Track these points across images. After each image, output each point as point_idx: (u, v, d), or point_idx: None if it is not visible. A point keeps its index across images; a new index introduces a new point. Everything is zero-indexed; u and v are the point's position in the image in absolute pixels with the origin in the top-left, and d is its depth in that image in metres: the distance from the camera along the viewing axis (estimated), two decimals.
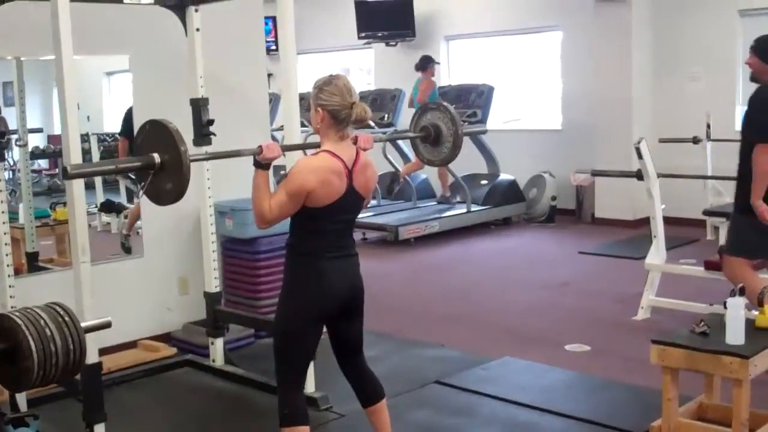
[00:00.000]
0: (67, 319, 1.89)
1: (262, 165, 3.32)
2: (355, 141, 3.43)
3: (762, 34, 8.66)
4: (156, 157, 3.10)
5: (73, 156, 3.70)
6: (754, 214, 4.58)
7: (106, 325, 2.04)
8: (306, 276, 3.35)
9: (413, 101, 9.77)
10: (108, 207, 6.77)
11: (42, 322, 1.86)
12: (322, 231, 3.34)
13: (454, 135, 3.83)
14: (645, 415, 4.09)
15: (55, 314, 1.90)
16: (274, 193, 3.28)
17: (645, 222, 8.76)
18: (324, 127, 3.35)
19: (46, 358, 1.84)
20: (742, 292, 3.98)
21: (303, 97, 5.59)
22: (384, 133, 10.21)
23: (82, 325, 1.92)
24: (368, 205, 3.63)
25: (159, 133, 3.12)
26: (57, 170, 7.35)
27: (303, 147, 4.08)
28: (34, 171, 6.64)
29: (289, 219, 3.35)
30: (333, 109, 3.30)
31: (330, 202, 3.28)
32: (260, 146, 3.32)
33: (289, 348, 3.44)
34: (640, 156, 5.86)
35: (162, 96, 5.47)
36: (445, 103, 3.88)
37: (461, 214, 9.57)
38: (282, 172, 3.63)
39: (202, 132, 4.85)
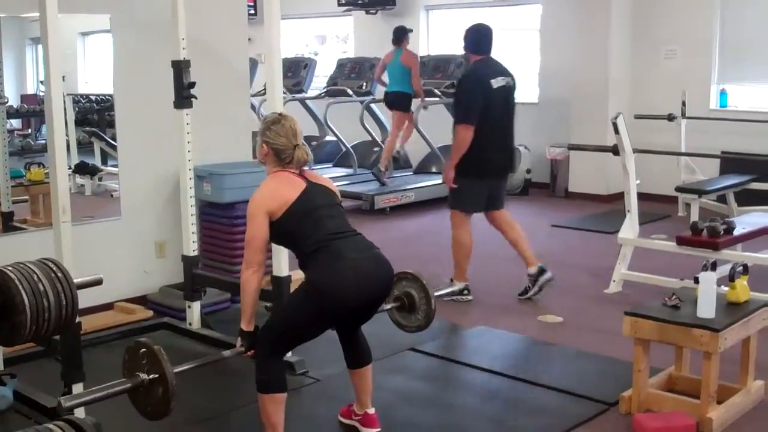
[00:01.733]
0: (60, 274, 1.91)
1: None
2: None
3: (736, 14, 8.81)
4: (143, 376, 3.06)
5: (56, 117, 3.68)
6: (466, 178, 5.75)
7: (98, 282, 2.06)
8: (326, 279, 3.37)
9: (381, 71, 9.73)
10: (82, 168, 6.75)
11: (35, 276, 1.87)
12: (308, 226, 3.43)
13: (426, 303, 3.95)
14: (616, 386, 4.18)
15: (48, 270, 1.92)
16: (246, 231, 3.47)
17: (618, 197, 8.84)
18: (268, 161, 3.57)
19: (39, 313, 1.86)
20: (714, 266, 4.07)
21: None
22: (361, 102, 10.20)
23: (75, 281, 1.93)
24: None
25: (144, 352, 3.11)
26: (29, 130, 7.30)
27: None
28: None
29: None
30: (277, 149, 3.51)
31: (294, 200, 3.42)
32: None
33: (287, 334, 3.51)
34: (616, 131, 5.91)
35: (143, 57, 5.45)
36: (413, 272, 3.97)
37: (437, 185, 9.59)
38: None
39: (183, 95, 4.84)
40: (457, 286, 5.82)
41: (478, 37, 6.00)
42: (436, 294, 4.00)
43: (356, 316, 3.55)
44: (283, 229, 3.45)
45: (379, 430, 3.79)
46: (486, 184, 5.90)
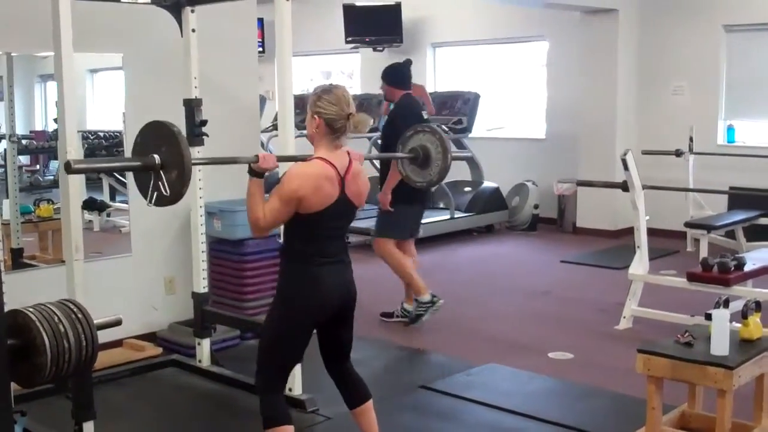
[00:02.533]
0: (80, 315, 1.91)
1: (257, 173, 3.35)
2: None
3: (743, 50, 8.85)
4: (156, 157, 3.10)
5: (71, 151, 3.70)
6: (400, 203, 6.00)
7: (117, 323, 2.06)
8: (300, 282, 3.37)
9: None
10: (90, 205, 6.76)
11: (56, 318, 1.87)
12: (315, 237, 3.38)
13: (442, 159, 3.85)
14: (628, 424, 4.14)
15: (68, 311, 1.92)
16: (268, 200, 3.32)
17: (626, 232, 8.88)
18: (318, 135, 3.39)
19: (60, 354, 1.85)
20: (726, 303, 4.05)
21: None
22: (369, 138, 10.25)
23: (95, 322, 1.93)
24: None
25: (160, 133, 3.12)
26: (38, 166, 7.33)
27: (298, 158, 4.10)
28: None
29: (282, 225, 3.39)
30: (329, 118, 3.35)
31: (322, 209, 3.32)
32: (257, 155, 3.35)
33: (277, 353, 3.47)
34: (626, 167, 5.92)
35: (155, 96, 5.49)
36: (436, 127, 3.90)
37: (444, 220, 9.61)
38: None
39: (195, 132, 4.87)
40: (424, 298, 6.01)
41: (403, 74, 6.29)
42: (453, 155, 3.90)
43: (336, 311, 3.48)
44: (296, 219, 3.33)
45: None
46: (417, 210, 6.24)
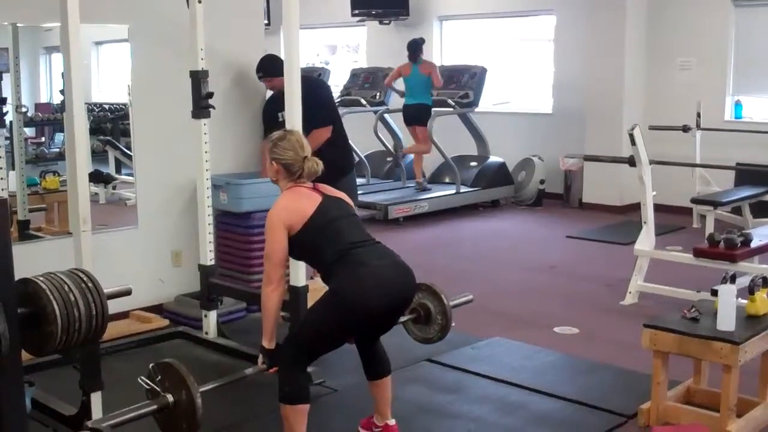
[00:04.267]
0: (90, 285, 1.91)
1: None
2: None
3: (751, 26, 8.80)
4: (169, 397, 3.04)
5: (78, 126, 3.69)
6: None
7: (127, 292, 2.07)
8: (348, 287, 3.39)
9: (390, 82, 9.75)
10: (96, 177, 6.76)
11: (66, 287, 1.87)
12: (327, 239, 3.45)
13: (442, 314, 3.98)
14: (633, 398, 4.16)
15: (79, 280, 1.92)
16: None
17: (631, 208, 8.87)
18: (281, 179, 3.60)
19: (70, 323, 1.86)
20: (733, 279, 4.05)
21: None
22: (375, 112, 10.22)
23: (105, 291, 1.93)
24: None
25: (171, 373, 3.09)
26: (43, 138, 7.32)
27: None
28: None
29: None
30: (286, 163, 3.54)
31: (312, 214, 3.44)
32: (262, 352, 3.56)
33: (315, 342, 3.50)
34: (633, 142, 5.90)
35: (161, 67, 5.48)
36: (429, 284, 3.98)
37: (450, 194, 9.61)
38: None
39: (201, 105, 4.85)
40: None
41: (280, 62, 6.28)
42: (452, 304, 3.99)
43: (379, 323, 3.55)
44: (302, 243, 3.47)
45: None
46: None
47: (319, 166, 3.58)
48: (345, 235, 3.47)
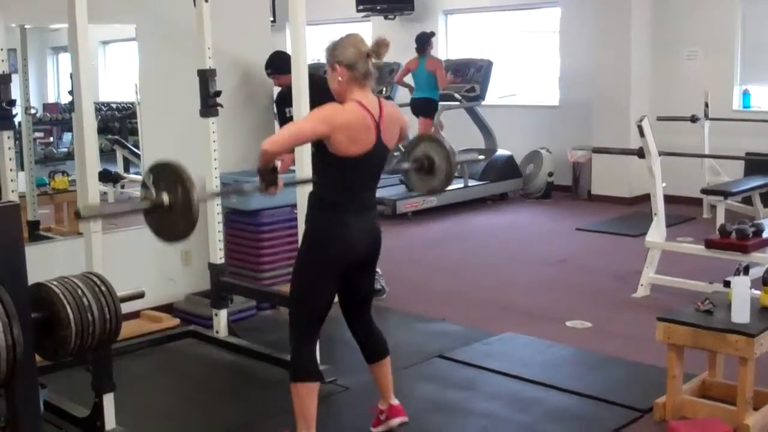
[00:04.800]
0: (103, 288, 1.90)
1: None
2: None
3: (758, 14, 8.74)
4: (165, 198, 2.98)
5: (87, 126, 3.68)
6: None
7: (140, 296, 2.05)
8: (329, 229, 3.40)
9: (400, 78, 9.71)
10: (105, 176, 6.75)
11: (80, 291, 1.86)
12: (349, 184, 3.39)
13: (446, 166, 3.86)
14: (648, 392, 4.13)
15: (92, 284, 1.91)
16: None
17: (641, 199, 8.83)
18: (345, 85, 3.38)
19: (84, 327, 1.85)
20: (746, 270, 4.03)
21: None
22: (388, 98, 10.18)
23: (118, 294, 1.92)
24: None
25: (169, 173, 3.03)
26: (51, 139, 7.32)
27: (306, 181, 4.06)
28: None
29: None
30: (350, 62, 3.34)
31: (357, 154, 3.33)
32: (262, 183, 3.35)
33: (306, 301, 3.49)
34: (642, 134, 5.86)
35: (168, 66, 5.46)
36: (438, 137, 3.91)
37: (459, 189, 9.58)
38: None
39: (209, 103, 4.85)
40: None
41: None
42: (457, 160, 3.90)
43: (362, 257, 3.50)
44: (329, 162, 3.34)
45: (406, 419, 3.79)
46: None
47: (384, 47, 3.38)
48: (359, 190, 3.42)
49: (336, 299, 3.59)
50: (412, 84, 9.66)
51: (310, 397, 3.44)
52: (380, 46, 3.38)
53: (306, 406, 3.43)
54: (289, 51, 4.48)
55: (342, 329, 3.89)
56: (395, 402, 3.80)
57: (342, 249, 3.40)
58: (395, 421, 3.79)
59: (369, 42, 3.45)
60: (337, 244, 3.39)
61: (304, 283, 3.48)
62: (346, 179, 3.37)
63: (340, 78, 3.36)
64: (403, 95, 10.10)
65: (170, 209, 2.93)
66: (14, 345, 1.88)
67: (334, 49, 3.38)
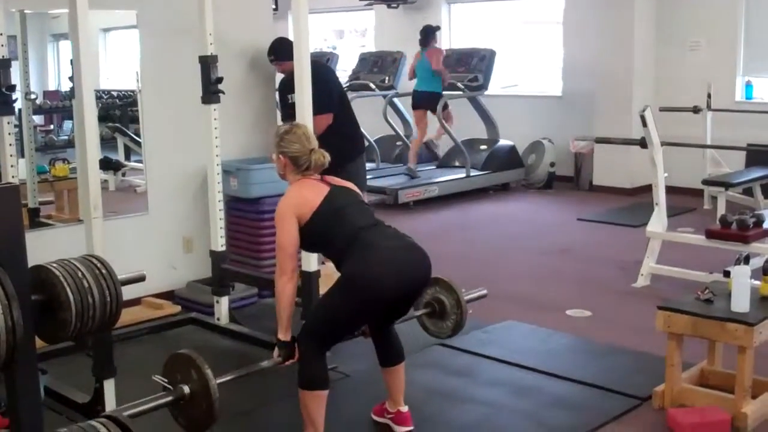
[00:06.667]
0: (104, 271, 1.90)
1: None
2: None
3: (761, 5, 8.70)
4: (185, 388, 2.98)
5: (88, 113, 3.67)
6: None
7: (141, 278, 2.06)
8: (361, 271, 3.38)
9: (414, 71, 9.70)
10: (106, 164, 6.75)
11: (80, 273, 1.86)
12: (338, 226, 3.45)
13: (457, 308, 3.91)
14: (647, 381, 4.14)
15: (92, 266, 1.91)
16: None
17: (643, 190, 8.83)
18: (288, 172, 3.59)
19: (84, 310, 1.85)
20: (747, 260, 4.03)
21: None
22: (384, 96, 10.19)
23: (119, 277, 1.92)
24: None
25: (184, 364, 3.05)
26: (52, 126, 7.32)
27: None
28: None
29: None
30: (293, 156, 3.54)
31: (320, 203, 3.44)
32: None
33: (330, 330, 3.50)
34: (644, 124, 5.86)
35: (170, 53, 5.46)
36: (444, 278, 3.93)
37: (460, 178, 9.58)
38: None
39: (211, 90, 4.84)
40: None
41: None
42: (466, 298, 3.94)
43: (395, 306, 3.55)
44: (312, 233, 3.46)
45: (411, 428, 3.78)
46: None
47: (326, 158, 3.57)
48: (353, 221, 3.47)
49: None
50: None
51: (318, 404, 3.45)
52: (321, 161, 3.55)
53: (314, 413, 3.45)
54: (291, 38, 4.48)
55: None
56: (404, 409, 3.78)
57: (376, 294, 3.38)
58: (401, 430, 3.77)
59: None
60: (371, 287, 3.37)
61: (331, 312, 3.47)
62: (333, 225, 3.44)
63: (284, 166, 3.59)
64: (405, 84, 10.10)
65: (191, 399, 2.93)
66: (14, 327, 1.88)
67: (280, 140, 3.58)
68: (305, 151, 3.53)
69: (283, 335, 3.47)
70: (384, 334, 3.73)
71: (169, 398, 2.87)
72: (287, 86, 5.55)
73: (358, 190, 3.69)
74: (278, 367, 3.49)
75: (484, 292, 4.23)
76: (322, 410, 3.46)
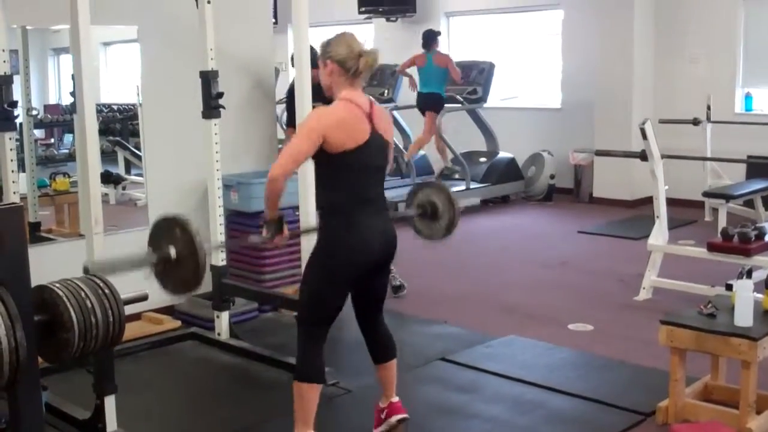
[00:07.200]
0: (107, 291, 1.90)
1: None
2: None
3: (760, 17, 8.72)
4: (171, 251, 2.99)
5: (89, 127, 3.67)
6: None
7: (143, 298, 2.05)
8: (341, 234, 3.38)
9: (403, 69, 9.72)
10: (106, 178, 6.75)
11: (83, 293, 1.86)
12: (354, 183, 3.38)
13: (450, 212, 3.93)
14: (650, 396, 4.12)
15: (95, 286, 1.90)
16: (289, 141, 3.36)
17: (643, 202, 8.83)
18: (335, 80, 3.42)
19: (87, 330, 1.84)
20: (749, 273, 4.02)
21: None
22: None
23: (121, 297, 1.92)
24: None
25: (173, 228, 3.02)
26: (52, 140, 7.32)
27: (309, 231, 4.05)
28: None
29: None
30: (340, 59, 3.38)
31: (356, 146, 3.32)
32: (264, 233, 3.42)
33: (316, 305, 3.49)
34: (644, 136, 5.85)
35: (171, 68, 5.46)
36: (440, 183, 3.94)
37: (460, 191, 9.56)
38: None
39: (212, 104, 4.84)
40: None
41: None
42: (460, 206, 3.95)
43: (377, 262, 3.51)
44: (330, 165, 3.36)
45: (406, 414, 3.75)
46: None
47: (375, 61, 3.41)
48: (366, 188, 3.42)
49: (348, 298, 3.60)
50: (416, 78, 9.64)
51: (312, 397, 3.44)
52: (371, 58, 3.41)
53: (307, 406, 3.44)
54: (290, 52, 4.49)
55: (345, 331, 3.89)
56: (395, 399, 3.78)
57: (354, 255, 3.39)
58: (395, 418, 3.76)
59: (369, 45, 3.46)
60: (349, 250, 3.38)
61: (314, 287, 3.47)
62: (350, 178, 3.37)
63: (330, 73, 3.41)
64: (404, 98, 10.10)
65: (177, 262, 2.93)
66: (17, 348, 1.87)
67: (327, 46, 3.44)
68: (353, 55, 3.36)
69: (270, 215, 3.35)
70: (374, 328, 3.73)
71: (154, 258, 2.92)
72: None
73: (391, 142, 3.53)
74: (267, 244, 3.44)
75: (477, 201, 4.20)
76: (315, 404, 3.45)
